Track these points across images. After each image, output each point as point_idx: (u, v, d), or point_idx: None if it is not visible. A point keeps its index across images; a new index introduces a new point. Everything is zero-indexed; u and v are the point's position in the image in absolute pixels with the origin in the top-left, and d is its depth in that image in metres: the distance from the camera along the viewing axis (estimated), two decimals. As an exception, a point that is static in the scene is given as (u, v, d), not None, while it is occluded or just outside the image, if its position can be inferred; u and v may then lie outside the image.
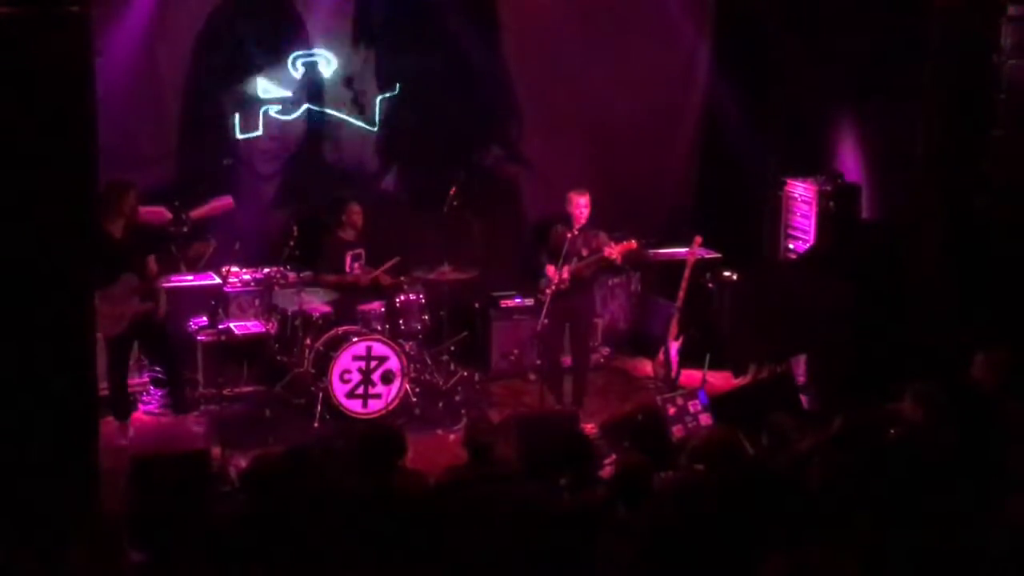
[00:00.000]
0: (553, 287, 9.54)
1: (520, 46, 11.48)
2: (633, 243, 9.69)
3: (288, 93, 10.87)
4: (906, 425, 6.80)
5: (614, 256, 9.59)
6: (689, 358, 10.47)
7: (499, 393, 10.56)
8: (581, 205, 9.58)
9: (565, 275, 9.55)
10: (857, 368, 9.46)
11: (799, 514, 5.72)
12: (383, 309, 10.12)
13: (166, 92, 10.51)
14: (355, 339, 9.59)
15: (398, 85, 11.11)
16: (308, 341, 9.82)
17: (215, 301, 10.00)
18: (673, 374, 10.38)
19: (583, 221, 9.61)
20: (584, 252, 9.64)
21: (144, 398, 9.91)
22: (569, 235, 9.52)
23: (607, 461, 7.89)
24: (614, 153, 11.56)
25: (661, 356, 10.49)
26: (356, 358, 9.53)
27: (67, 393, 6.69)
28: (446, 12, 11.13)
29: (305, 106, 10.94)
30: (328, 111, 11.03)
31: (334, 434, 9.12)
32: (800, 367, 10.23)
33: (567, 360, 10.24)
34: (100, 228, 8.74)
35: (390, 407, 9.62)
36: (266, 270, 10.12)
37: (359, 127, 11.19)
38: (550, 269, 9.64)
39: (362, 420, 9.36)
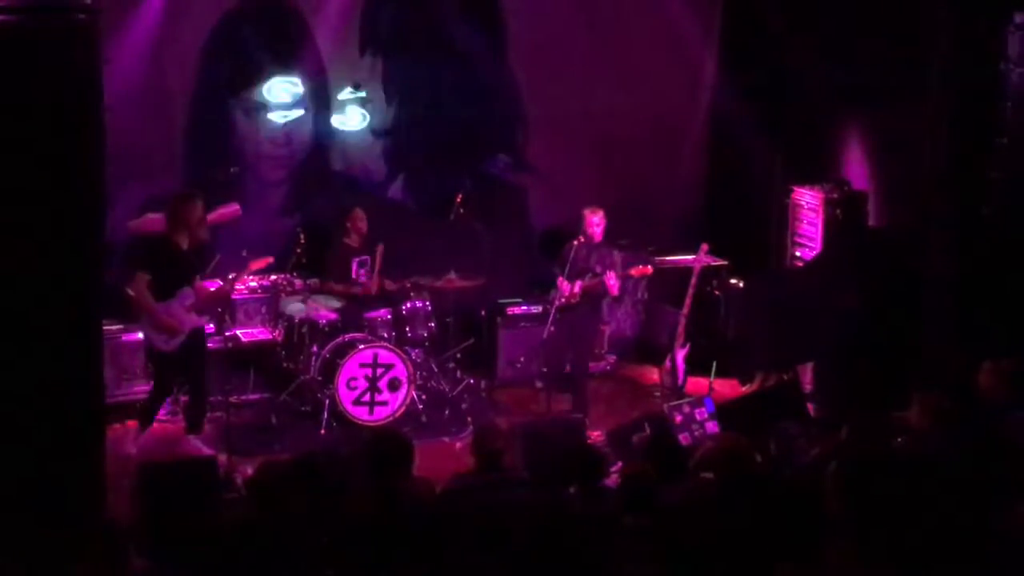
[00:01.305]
0: (563, 300, 9.54)
1: (527, 54, 11.50)
2: (649, 269, 9.72)
3: (295, 100, 10.88)
4: (912, 433, 6.79)
5: (613, 287, 9.56)
6: (696, 366, 10.48)
7: (505, 401, 10.56)
8: (595, 224, 9.57)
9: (576, 290, 9.55)
10: (864, 376, 9.45)
11: (807, 522, 5.71)
12: (389, 316, 10.13)
13: (173, 100, 10.55)
14: (361, 346, 9.59)
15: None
16: (314, 348, 9.82)
17: (221, 308, 10.00)
18: (680, 382, 10.37)
19: (598, 239, 9.60)
20: (597, 268, 9.62)
21: (151, 405, 9.95)
22: (583, 251, 9.52)
23: (614, 469, 7.90)
24: (621, 161, 11.57)
25: (668, 364, 10.48)
26: (362, 365, 9.54)
27: (73, 399, 6.69)
28: (453, 20, 11.15)
29: (312, 114, 10.96)
30: (335, 117, 11.06)
31: (341, 441, 9.13)
32: (807, 375, 10.22)
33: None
34: (168, 239, 8.69)
35: (396, 414, 9.62)
36: (273, 277, 10.13)
37: (366, 134, 11.22)
38: (562, 281, 9.62)
39: (369, 427, 9.36)
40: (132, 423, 9.16)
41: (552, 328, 9.58)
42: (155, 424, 9.61)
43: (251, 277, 9.78)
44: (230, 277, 9.21)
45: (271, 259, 9.52)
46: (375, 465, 6.15)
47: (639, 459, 7.01)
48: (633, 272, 9.71)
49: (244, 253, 9.48)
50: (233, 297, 10.07)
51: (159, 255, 8.76)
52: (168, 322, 8.68)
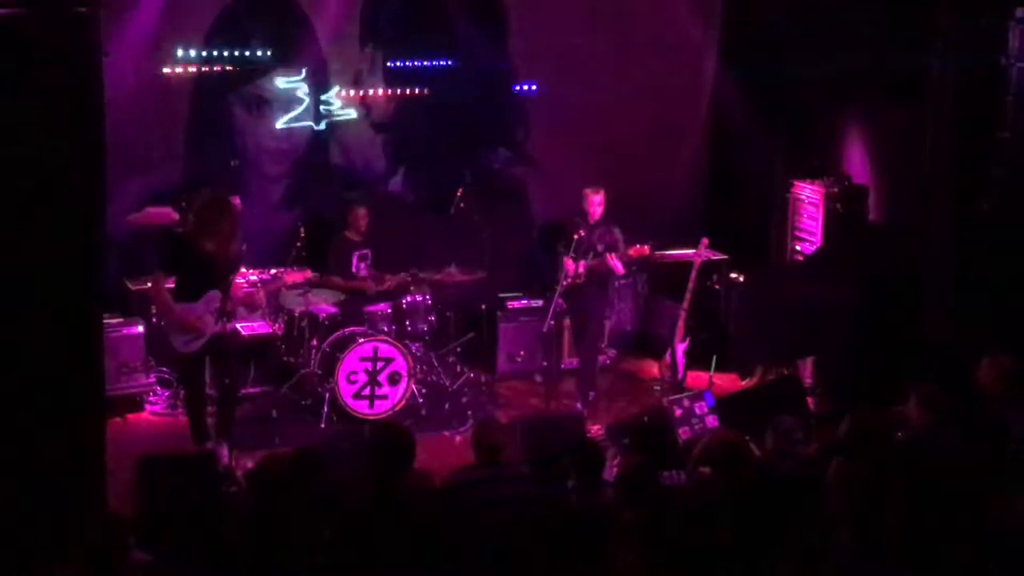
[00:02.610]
0: (569, 280, 9.54)
1: (527, 48, 11.48)
2: (646, 249, 9.71)
3: (295, 94, 10.88)
4: (911, 428, 6.80)
5: (617, 266, 9.59)
6: (696, 360, 10.47)
7: (505, 394, 10.57)
8: (595, 204, 9.63)
9: (582, 269, 9.56)
10: (863, 371, 9.45)
11: (806, 516, 5.72)
12: (390, 310, 10.13)
13: (173, 93, 10.52)
14: (361, 340, 9.59)
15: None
16: (315, 342, 9.82)
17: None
18: (679, 376, 10.38)
19: (597, 217, 9.63)
20: (599, 247, 9.63)
21: (151, 398, 9.94)
22: (583, 230, 9.53)
23: (613, 463, 7.90)
24: (621, 155, 11.56)
25: (668, 358, 10.49)
26: (363, 359, 9.54)
27: (73, 393, 6.70)
28: (454, 13, 11.14)
29: (312, 108, 10.96)
30: (335, 112, 11.06)
31: (341, 435, 9.12)
32: (807, 369, 10.22)
33: (570, 363, 10.25)
34: (191, 239, 8.46)
35: (396, 408, 9.63)
36: (273, 271, 10.11)
37: (366, 128, 11.22)
38: (567, 261, 9.61)
39: (369, 421, 9.35)
40: (116, 419, 9.07)
41: (552, 321, 9.59)
42: (154, 417, 9.63)
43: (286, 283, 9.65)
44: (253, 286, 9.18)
45: (309, 272, 9.52)
46: (377, 457, 6.16)
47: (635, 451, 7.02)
48: (632, 252, 9.70)
49: (244, 247, 9.48)
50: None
51: (181, 255, 8.52)
52: (184, 323, 8.43)
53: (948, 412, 6.67)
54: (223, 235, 8.44)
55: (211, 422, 8.80)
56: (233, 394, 8.82)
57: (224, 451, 8.53)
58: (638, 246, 9.68)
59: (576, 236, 9.55)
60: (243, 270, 9.82)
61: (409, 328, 10.15)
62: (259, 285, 9.26)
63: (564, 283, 9.60)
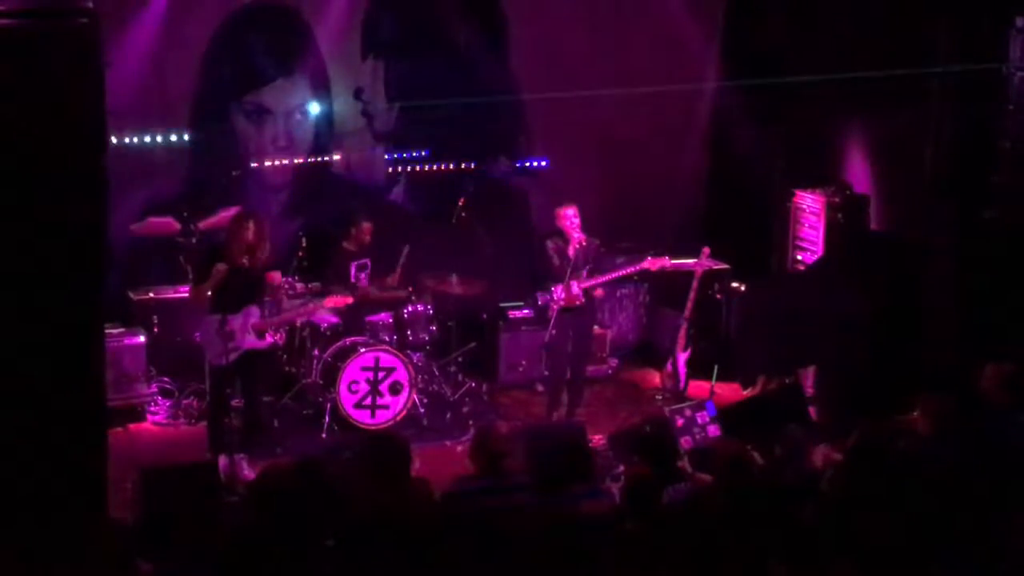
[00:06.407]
0: (563, 303, 9.49)
1: (529, 58, 11.50)
2: (666, 261, 9.76)
3: (297, 104, 10.90)
4: (915, 437, 6.79)
5: (654, 269, 9.68)
6: (697, 369, 10.46)
7: (506, 404, 10.55)
8: (568, 217, 9.48)
9: (577, 291, 9.50)
10: (866, 380, 9.44)
11: (807, 525, 5.72)
12: (391, 320, 10.13)
13: (175, 103, 10.54)
14: (363, 350, 9.59)
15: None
16: (316, 352, 9.82)
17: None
18: (681, 385, 10.37)
19: (579, 235, 9.53)
20: (590, 266, 9.58)
21: (152, 408, 9.92)
22: (571, 250, 9.48)
23: (615, 472, 7.90)
24: (622, 164, 11.57)
25: (669, 367, 10.48)
26: (364, 369, 9.53)
27: (75, 403, 6.69)
28: (455, 24, 11.16)
29: (314, 117, 10.98)
30: (336, 122, 11.08)
31: (342, 444, 9.12)
32: (809, 379, 10.21)
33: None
34: (229, 255, 8.51)
35: (398, 418, 9.62)
36: (309, 285, 10.08)
37: (367, 138, 11.24)
38: (558, 288, 9.56)
39: (370, 430, 9.35)
40: (118, 430, 9.11)
41: (554, 331, 9.56)
42: (156, 427, 9.61)
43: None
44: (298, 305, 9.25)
45: (351, 299, 9.53)
46: (373, 467, 6.15)
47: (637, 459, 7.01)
48: (650, 266, 9.67)
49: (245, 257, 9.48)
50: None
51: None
52: (221, 337, 8.42)
53: (951, 421, 6.67)
54: (248, 247, 8.51)
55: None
56: (258, 412, 8.94)
57: (238, 463, 8.59)
58: (652, 258, 9.67)
59: (574, 258, 9.48)
60: (287, 280, 9.69)
61: (410, 338, 10.15)
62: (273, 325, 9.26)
63: (557, 306, 9.52)
